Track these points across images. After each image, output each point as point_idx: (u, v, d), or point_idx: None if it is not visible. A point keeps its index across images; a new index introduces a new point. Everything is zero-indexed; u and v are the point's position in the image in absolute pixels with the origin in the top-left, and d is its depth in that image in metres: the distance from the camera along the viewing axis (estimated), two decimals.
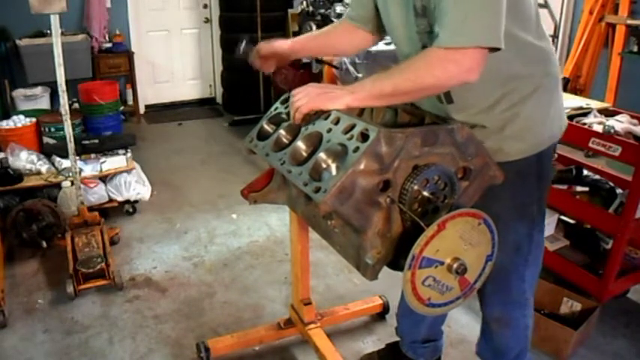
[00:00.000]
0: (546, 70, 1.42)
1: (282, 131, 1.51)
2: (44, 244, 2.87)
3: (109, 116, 4.34)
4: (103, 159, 3.43)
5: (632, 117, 2.36)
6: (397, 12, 1.40)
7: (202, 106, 6.10)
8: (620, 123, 2.27)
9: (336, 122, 1.35)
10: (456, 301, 1.33)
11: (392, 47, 3.39)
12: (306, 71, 4.53)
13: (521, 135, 1.41)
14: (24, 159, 3.25)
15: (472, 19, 1.15)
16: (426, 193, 1.26)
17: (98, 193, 3.30)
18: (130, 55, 5.25)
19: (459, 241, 1.24)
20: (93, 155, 3.48)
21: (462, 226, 1.23)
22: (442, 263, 1.24)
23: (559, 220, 2.60)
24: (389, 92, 1.27)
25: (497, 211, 1.43)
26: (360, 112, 1.73)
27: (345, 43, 1.72)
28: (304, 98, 1.36)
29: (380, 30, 1.61)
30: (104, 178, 3.38)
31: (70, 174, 3.01)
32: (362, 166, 1.19)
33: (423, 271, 1.22)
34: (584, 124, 2.32)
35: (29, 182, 3.18)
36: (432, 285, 1.25)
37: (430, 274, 1.24)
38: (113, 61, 5.14)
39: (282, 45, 1.69)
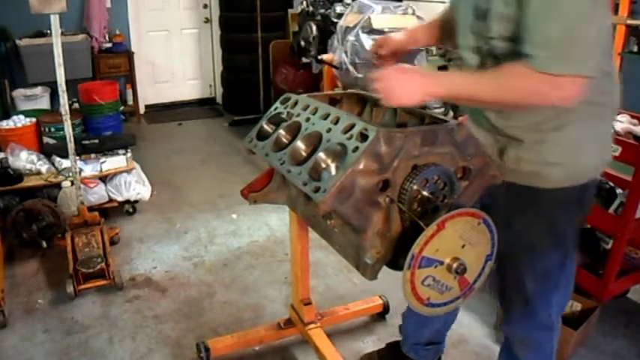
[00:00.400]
0: (608, 99, 1.38)
1: (281, 131, 1.51)
2: (44, 244, 2.87)
3: (109, 116, 4.34)
4: (103, 159, 3.43)
5: (632, 117, 2.36)
6: (461, 7, 1.39)
7: (202, 106, 6.10)
8: (620, 123, 2.27)
9: (336, 122, 1.35)
10: (456, 301, 1.32)
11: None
12: (306, 71, 4.54)
13: (562, 160, 1.36)
14: (24, 159, 3.25)
15: (578, 45, 1.13)
16: (425, 193, 1.26)
17: (98, 193, 3.30)
18: (130, 55, 5.25)
19: (459, 240, 1.24)
20: (93, 155, 3.49)
21: (461, 226, 1.23)
22: (442, 263, 1.24)
23: None
24: (475, 99, 1.27)
25: (533, 237, 1.45)
26: (360, 112, 1.74)
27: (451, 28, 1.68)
28: (383, 92, 1.30)
29: None
30: (104, 178, 3.38)
31: (70, 174, 3.01)
32: (361, 166, 1.19)
33: (423, 271, 1.22)
34: None
35: (29, 182, 3.18)
36: (432, 285, 1.25)
37: (429, 274, 1.24)
38: (113, 61, 5.14)
39: (398, 40, 1.66)
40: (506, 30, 1.23)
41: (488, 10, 1.25)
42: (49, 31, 3.06)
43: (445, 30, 1.64)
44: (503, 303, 1.65)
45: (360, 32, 3.35)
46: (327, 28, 3.85)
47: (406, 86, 1.27)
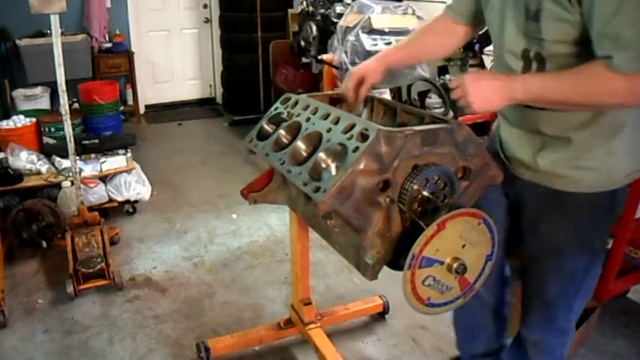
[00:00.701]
0: None
1: (281, 131, 1.51)
2: (44, 244, 2.87)
3: (109, 116, 4.34)
4: (103, 159, 3.43)
5: None
6: (507, 10, 1.32)
7: (202, 106, 6.10)
8: None
9: (336, 122, 1.35)
10: (456, 300, 1.32)
11: (392, 47, 3.40)
12: (306, 71, 4.53)
13: (598, 166, 1.34)
14: (24, 159, 3.25)
15: None
16: (425, 193, 1.26)
17: (98, 193, 3.30)
18: (130, 55, 5.25)
19: (459, 240, 1.24)
20: (93, 155, 3.48)
21: (461, 226, 1.23)
22: (442, 263, 1.24)
23: None
24: (555, 101, 1.22)
25: (560, 240, 1.43)
26: (360, 112, 1.73)
27: (444, 43, 1.66)
28: (462, 100, 1.26)
29: (481, 23, 1.56)
30: (104, 178, 3.38)
31: (70, 174, 3.01)
32: (361, 166, 1.19)
33: (423, 271, 1.22)
34: None
35: (29, 182, 3.18)
36: (432, 285, 1.25)
37: (430, 274, 1.24)
38: (113, 61, 5.14)
39: (371, 67, 1.61)
40: (560, 31, 1.20)
41: (540, 10, 1.21)
42: (49, 31, 3.06)
43: (427, 46, 1.66)
44: (524, 305, 1.63)
45: (360, 32, 3.35)
46: (327, 28, 3.85)
47: (485, 92, 1.24)
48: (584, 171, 1.35)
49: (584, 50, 1.20)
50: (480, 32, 1.68)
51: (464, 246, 1.25)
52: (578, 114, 1.30)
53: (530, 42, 1.28)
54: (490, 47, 4.39)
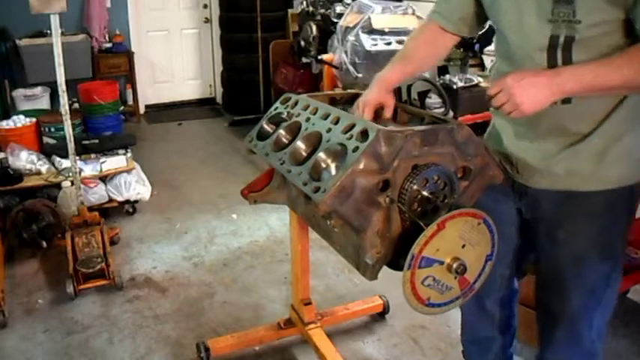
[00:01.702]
0: None
1: (281, 131, 1.52)
2: (44, 244, 2.87)
3: (109, 116, 4.33)
4: (103, 159, 3.43)
5: None
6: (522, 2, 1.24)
7: (202, 106, 6.10)
8: None
9: (336, 122, 1.35)
10: (456, 301, 1.32)
11: (392, 47, 3.40)
12: (306, 71, 4.53)
13: (621, 159, 1.29)
14: (24, 159, 3.25)
15: None
16: (425, 193, 1.26)
17: (98, 193, 3.30)
18: (130, 55, 5.25)
19: (459, 240, 1.24)
20: (93, 155, 3.48)
21: (461, 226, 1.23)
22: (442, 263, 1.24)
23: None
24: (613, 85, 1.15)
25: (581, 247, 1.36)
26: None
27: (435, 54, 1.59)
28: (508, 105, 1.19)
29: (470, 30, 1.49)
30: (104, 178, 3.38)
31: (70, 174, 3.01)
32: (361, 166, 1.19)
33: (423, 271, 1.22)
34: None
35: (29, 182, 3.18)
36: (432, 285, 1.25)
37: (430, 274, 1.24)
38: (113, 61, 5.14)
39: (380, 94, 1.51)
40: (598, 10, 1.13)
41: None
42: (49, 31, 3.06)
43: (421, 59, 1.57)
44: (544, 324, 1.54)
45: (360, 32, 3.35)
46: (327, 28, 3.85)
47: (532, 91, 1.16)
48: (609, 164, 1.29)
49: (617, 34, 1.16)
50: (480, 32, 1.64)
51: (464, 246, 1.25)
52: (605, 101, 1.25)
53: (558, 27, 1.19)
54: (490, 47, 4.39)
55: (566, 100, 1.24)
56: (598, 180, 1.32)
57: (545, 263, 1.49)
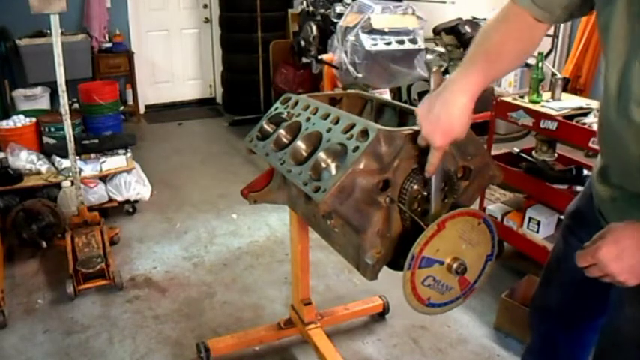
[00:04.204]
0: None
1: (282, 131, 1.52)
2: (44, 244, 2.87)
3: (109, 116, 4.34)
4: (103, 159, 3.43)
5: None
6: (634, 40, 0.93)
7: (202, 106, 6.10)
8: None
9: (336, 122, 1.35)
10: (456, 300, 1.32)
11: (392, 47, 3.41)
12: (306, 71, 4.53)
13: None
14: (24, 159, 3.25)
15: None
16: (425, 193, 1.26)
17: (98, 193, 3.30)
18: (130, 55, 5.25)
19: (459, 240, 1.24)
20: (93, 155, 3.48)
21: (461, 226, 1.23)
22: (442, 263, 1.24)
23: (559, 220, 2.60)
24: None
25: (627, 294, 1.08)
26: (360, 112, 1.74)
27: (527, 51, 1.18)
28: (608, 278, 0.96)
29: (572, 16, 1.14)
30: (104, 178, 3.38)
31: (70, 174, 3.01)
32: (361, 166, 1.19)
33: (423, 271, 1.22)
34: (584, 124, 2.32)
35: (29, 182, 3.18)
36: (432, 285, 1.25)
37: (430, 274, 1.24)
38: (113, 61, 5.14)
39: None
40: None
41: None
42: (49, 31, 3.06)
43: (511, 59, 1.17)
44: None
45: (360, 32, 3.35)
46: (327, 28, 3.85)
47: (636, 266, 0.92)
48: None
49: None
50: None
51: (464, 246, 1.25)
52: None
53: None
54: None
55: None
56: None
57: (608, 332, 1.24)
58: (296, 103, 1.59)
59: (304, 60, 4.24)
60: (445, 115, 1.08)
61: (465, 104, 1.08)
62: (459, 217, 1.22)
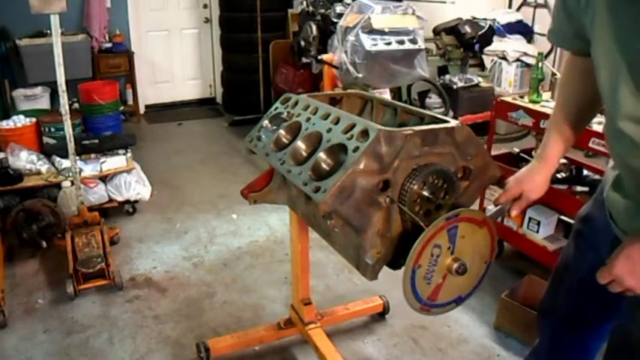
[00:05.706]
0: None
1: (282, 131, 1.52)
2: (44, 244, 2.87)
3: (109, 116, 4.34)
4: (103, 159, 3.43)
5: None
6: (616, 66, 0.98)
7: (202, 106, 6.10)
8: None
9: (336, 122, 1.35)
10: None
11: (392, 47, 3.40)
12: (306, 71, 4.53)
13: None
14: (24, 159, 3.25)
15: None
16: (425, 193, 1.26)
17: (98, 193, 3.30)
18: (130, 55, 5.25)
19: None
20: (93, 155, 3.48)
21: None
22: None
23: (559, 220, 2.60)
24: None
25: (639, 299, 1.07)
26: (360, 112, 1.74)
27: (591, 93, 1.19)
28: (629, 292, 1.02)
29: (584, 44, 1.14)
30: (104, 178, 3.38)
31: (70, 174, 3.01)
32: (362, 166, 1.19)
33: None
34: None
35: (29, 182, 3.18)
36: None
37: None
38: (113, 61, 5.14)
39: (537, 184, 1.33)
40: None
41: None
42: (49, 31, 3.06)
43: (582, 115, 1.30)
44: None
45: (360, 32, 3.35)
46: (327, 28, 3.85)
47: None
48: None
49: None
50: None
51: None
52: None
53: None
54: (490, 47, 4.40)
55: None
56: None
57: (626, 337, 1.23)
58: (296, 103, 1.59)
59: (304, 60, 4.24)
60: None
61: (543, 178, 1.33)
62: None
